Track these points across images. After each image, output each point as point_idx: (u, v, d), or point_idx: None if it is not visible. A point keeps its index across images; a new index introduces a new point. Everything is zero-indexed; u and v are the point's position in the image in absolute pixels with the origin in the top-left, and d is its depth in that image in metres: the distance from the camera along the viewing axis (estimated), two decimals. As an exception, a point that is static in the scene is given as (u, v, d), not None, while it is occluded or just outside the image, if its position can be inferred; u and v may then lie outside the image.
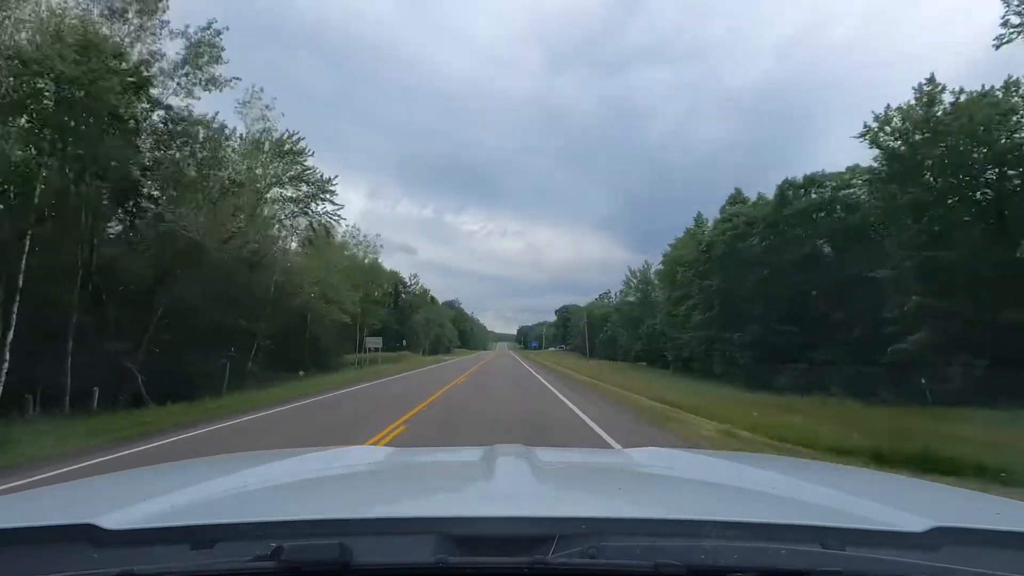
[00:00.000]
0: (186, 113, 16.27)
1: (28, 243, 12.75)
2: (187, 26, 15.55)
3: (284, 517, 0.97)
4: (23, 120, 12.95)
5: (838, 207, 28.56)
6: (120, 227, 18.14)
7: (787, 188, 30.69)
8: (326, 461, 1.74)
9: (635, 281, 63.68)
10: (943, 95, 21.59)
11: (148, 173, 16.47)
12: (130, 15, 14.75)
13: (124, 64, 14.16)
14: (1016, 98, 19.97)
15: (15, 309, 12.47)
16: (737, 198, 38.22)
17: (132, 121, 15.21)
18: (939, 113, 21.41)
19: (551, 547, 0.79)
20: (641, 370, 44.47)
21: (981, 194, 21.20)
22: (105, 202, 15.82)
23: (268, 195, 23.44)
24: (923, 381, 18.24)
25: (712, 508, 1.17)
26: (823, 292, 28.21)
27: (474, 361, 54.44)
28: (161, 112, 16.01)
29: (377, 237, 44.97)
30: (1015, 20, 17.48)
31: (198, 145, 16.87)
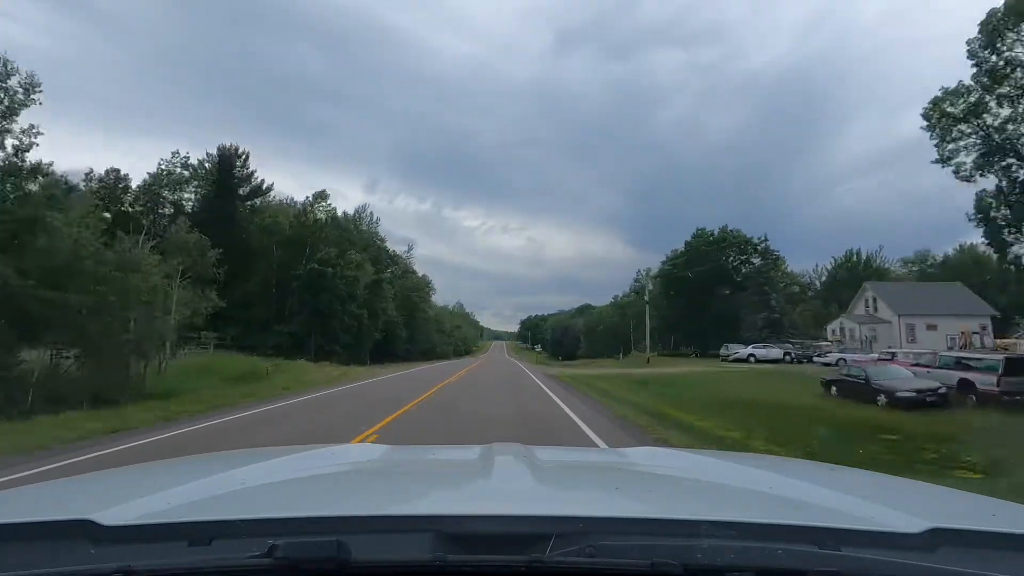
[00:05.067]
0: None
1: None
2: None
3: (282, 514, 0.97)
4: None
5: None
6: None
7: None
8: (324, 459, 1.74)
9: None
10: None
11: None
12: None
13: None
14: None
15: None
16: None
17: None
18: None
19: (548, 546, 0.79)
20: None
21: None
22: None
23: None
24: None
25: (709, 508, 1.17)
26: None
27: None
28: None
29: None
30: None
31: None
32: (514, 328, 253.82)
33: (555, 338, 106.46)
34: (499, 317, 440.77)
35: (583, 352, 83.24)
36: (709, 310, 52.97)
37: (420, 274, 76.76)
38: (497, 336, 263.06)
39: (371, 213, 62.64)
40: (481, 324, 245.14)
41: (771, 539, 0.84)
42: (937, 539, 0.88)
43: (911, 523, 0.93)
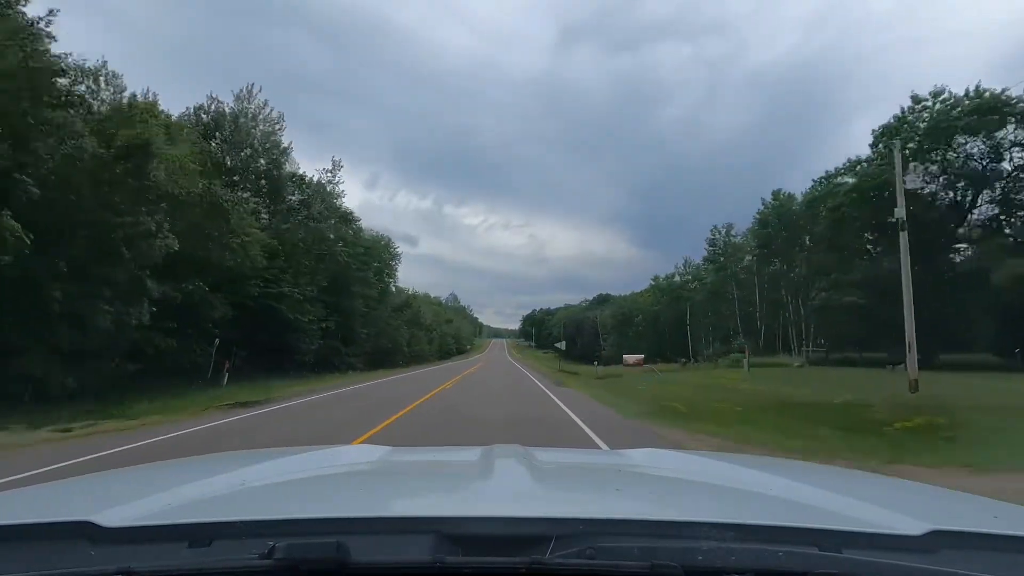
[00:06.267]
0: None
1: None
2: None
3: (281, 516, 0.97)
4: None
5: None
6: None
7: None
8: (324, 460, 1.74)
9: None
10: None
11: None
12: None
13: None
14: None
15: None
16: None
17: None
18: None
19: (548, 547, 0.79)
20: None
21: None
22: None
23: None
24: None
25: (709, 509, 1.17)
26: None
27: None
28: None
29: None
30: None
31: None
32: (515, 326, 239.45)
33: (567, 335, 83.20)
34: (500, 315, 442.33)
35: (608, 352, 59.84)
36: (936, 274, 22.52)
37: (373, 232, 44.86)
38: (497, 334, 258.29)
39: (271, 109, 30.36)
40: (481, 321, 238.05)
41: (771, 541, 0.84)
42: (938, 541, 0.88)
43: (912, 525, 0.93)
